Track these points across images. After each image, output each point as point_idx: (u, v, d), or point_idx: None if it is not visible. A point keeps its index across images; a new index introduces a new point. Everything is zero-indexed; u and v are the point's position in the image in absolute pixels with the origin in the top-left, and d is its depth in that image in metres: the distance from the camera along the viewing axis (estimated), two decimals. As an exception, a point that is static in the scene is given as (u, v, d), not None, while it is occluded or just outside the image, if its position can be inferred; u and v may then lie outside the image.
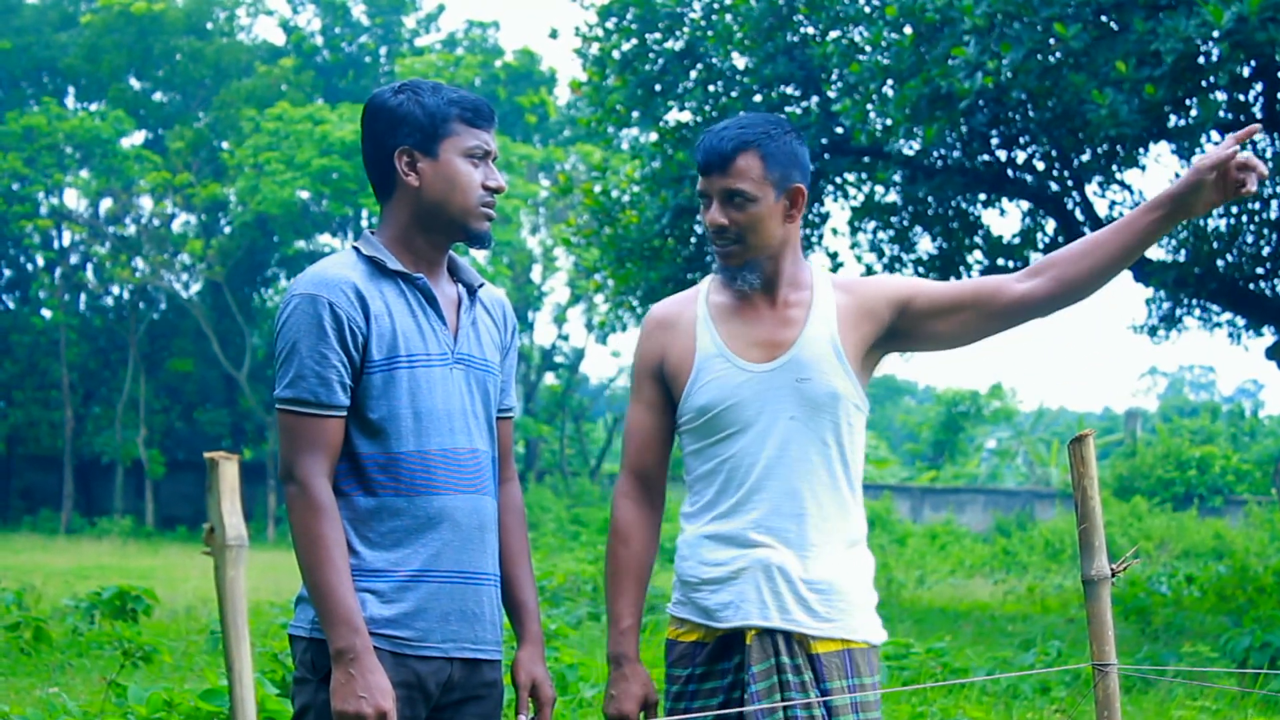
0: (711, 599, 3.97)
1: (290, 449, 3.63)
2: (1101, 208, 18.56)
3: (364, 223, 40.92)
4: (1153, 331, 19.72)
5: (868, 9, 15.78)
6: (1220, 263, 17.36)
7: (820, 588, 3.92)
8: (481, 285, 3.93)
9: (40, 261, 46.69)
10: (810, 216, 18.71)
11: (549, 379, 49.56)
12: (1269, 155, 17.31)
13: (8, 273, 47.39)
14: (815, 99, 17.12)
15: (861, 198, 18.96)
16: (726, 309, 4.08)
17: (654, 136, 18.77)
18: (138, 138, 47.20)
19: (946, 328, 4.03)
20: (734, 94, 17.44)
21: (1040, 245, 19.07)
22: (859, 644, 3.97)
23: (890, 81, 14.94)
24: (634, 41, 18.07)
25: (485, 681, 3.82)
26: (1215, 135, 16.92)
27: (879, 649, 4.06)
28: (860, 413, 4.03)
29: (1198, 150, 17.41)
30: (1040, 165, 17.71)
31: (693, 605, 4.02)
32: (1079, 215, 18.40)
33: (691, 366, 4.03)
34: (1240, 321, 19.36)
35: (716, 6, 17.38)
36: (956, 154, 16.66)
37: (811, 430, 3.96)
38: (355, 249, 3.79)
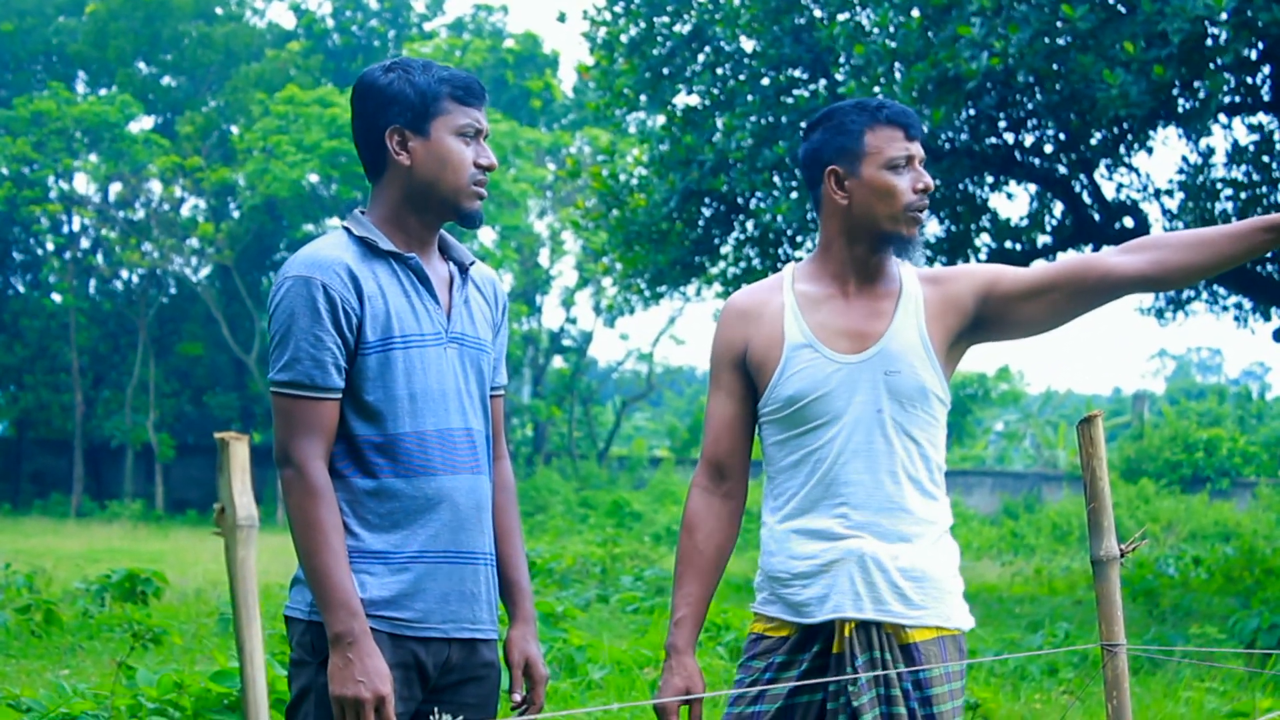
0: (803, 593, 3.90)
1: (286, 432, 3.61)
2: (1109, 190, 18.59)
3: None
4: (1160, 314, 19.74)
5: (875, -8, 15.77)
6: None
7: (914, 575, 3.87)
8: (473, 264, 3.90)
9: (50, 246, 46.73)
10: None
11: (557, 362, 49.57)
12: (1277, 138, 17.32)
13: (18, 257, 47.41)
14: (823, 82, 17.11)
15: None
16: (814, 298, 4.00)
17: (662, 120, 18.78)
18: (147, 122, 47.21)
19: (1034, 310, 3.96)
20: (742, 77, 17.42)
21: (1048, 228, 19.08)
22: (951, 630, 3.94)
23: (897, 64, 14.94)
24: (641, 25, 18.08)
25: (483, 662, 3.81)
26: (1223, 118, 16.94)
27: (964, 635, 4.03)
28: (944, 406, 3.98)
29: (1206, 133, 17.44)
30: (1048, 148, 17.72)
31: (782, 602, 3.95)
32: (1087, 198, 18.41)
33: (779, 357, 3.95)
34: (1247, 304, 19.36)
35: (724, -10, 17.38)
36: (964, 137, 16.67)
37: (899, 422, 3.90)
38: (346, 229, 3.76)
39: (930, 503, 3.95)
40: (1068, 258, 4.05)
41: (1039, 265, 4.02)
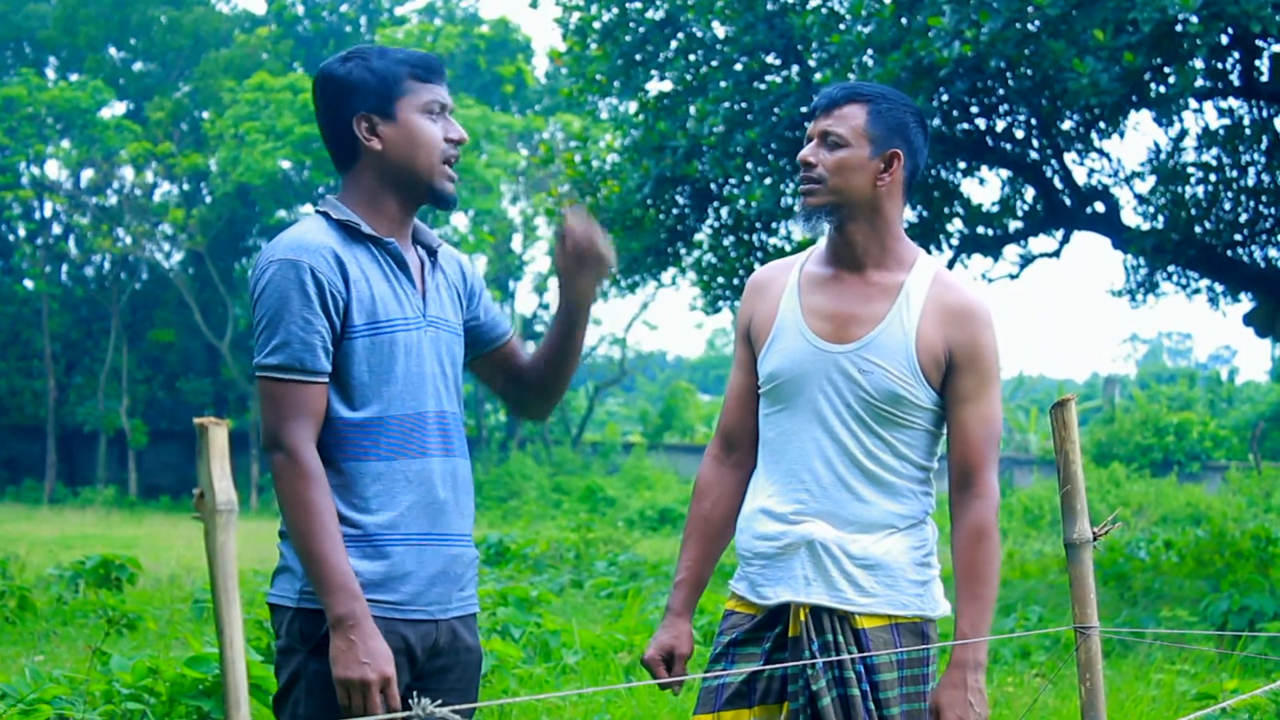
0: (761, 574, 3.96)
1: (276, 417, 3.57)
2: (1080, 175, 18.61)
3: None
4: (1131, 296, 19.78)
5: (847, -22, 15.77)
6: (1198, 229, 17.41)
7: (867, 563, 3.87)
8: (440, 247, 3.91)
9: (22, 232, 46.61)
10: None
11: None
12: (1246, 123, 17.38)
13: (-11, 243, 47.33)
14: (796, 68, 17.11)
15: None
16: (816, 280, 4.02)
17: (635, 106, 18.75)
18: (118, 108, 47.07)
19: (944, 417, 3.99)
20: (714, 63, 17.40)
21: (1020, 213, 19.11)
22: (908, 618, 3.93)
23: (870, 51, 14.94)
24: (614, 11, 18.03)
25: (465, 646, 3.83)
26: (1193, 103, 16.99)
27: (935, 622, 4.00)
28: (925, 411, 3.93)
29: (1177, 118, 17.50)
30: (1020, 134, 17.74)
31: (747, 581, 4.00)
32: (1058, 183, 18.44)
33: (769, 332, 4.01)
34: (1218, 288, 19.42)
35: (696, -25, 17.35)
36: (936, 123, 16.67)
37: (869, 419, 3.90)
38: (324, 214, 3.74)
39: (899, 500, 3.95)
40: (961, 451, 3.98)
41: (964, 407, 3.94)
